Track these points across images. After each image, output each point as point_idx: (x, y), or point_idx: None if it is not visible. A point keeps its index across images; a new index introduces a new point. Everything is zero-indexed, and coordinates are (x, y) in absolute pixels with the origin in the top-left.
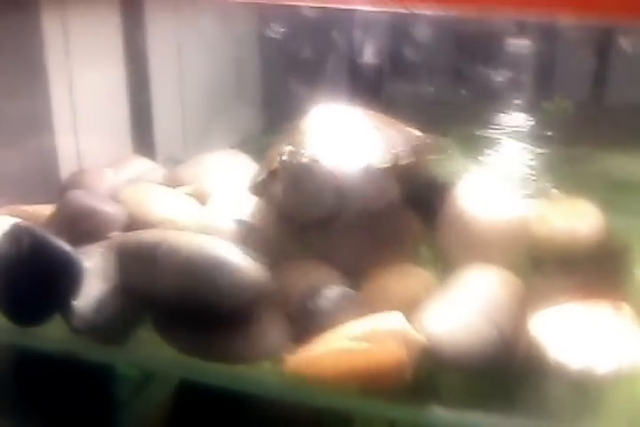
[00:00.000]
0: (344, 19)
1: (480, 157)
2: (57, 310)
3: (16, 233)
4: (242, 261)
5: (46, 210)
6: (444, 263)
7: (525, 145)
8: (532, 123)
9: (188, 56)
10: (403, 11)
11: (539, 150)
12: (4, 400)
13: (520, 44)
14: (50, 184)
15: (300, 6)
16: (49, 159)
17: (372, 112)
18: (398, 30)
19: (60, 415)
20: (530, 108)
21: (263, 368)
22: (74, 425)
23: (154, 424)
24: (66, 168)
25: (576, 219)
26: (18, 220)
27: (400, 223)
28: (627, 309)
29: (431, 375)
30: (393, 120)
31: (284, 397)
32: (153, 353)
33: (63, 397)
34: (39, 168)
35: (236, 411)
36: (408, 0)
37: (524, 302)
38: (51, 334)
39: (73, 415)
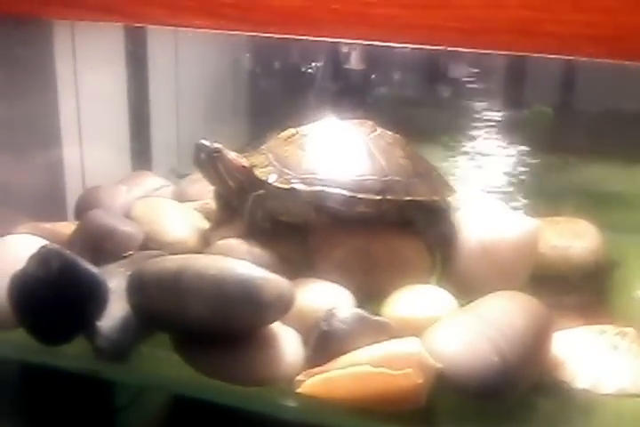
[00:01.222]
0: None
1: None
2: (82, 330)
3: (45, 255)
4: (268, 276)
5: (66, 228)
6: (460, 288)
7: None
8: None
9: (185, 71)
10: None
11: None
12: (7, 406)
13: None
14: (57, 196)
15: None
16: (56, 170)
17: (389, 135)
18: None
19: (59, 421)
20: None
21: (279, 389)
22: None
23: None
24: (72, 180)
25: (573, 238)
26: (39, 238)
27: (413, 249)
28: (632, 333)
29: (444, 399)
30: (409, 148)
31: (299, 418)
32: (175, 375)
33: (62, 403)
34: (47, 179)
35: (232, 419)
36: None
37: (543, 325)
38: (71, 353)
39: (72, 421)
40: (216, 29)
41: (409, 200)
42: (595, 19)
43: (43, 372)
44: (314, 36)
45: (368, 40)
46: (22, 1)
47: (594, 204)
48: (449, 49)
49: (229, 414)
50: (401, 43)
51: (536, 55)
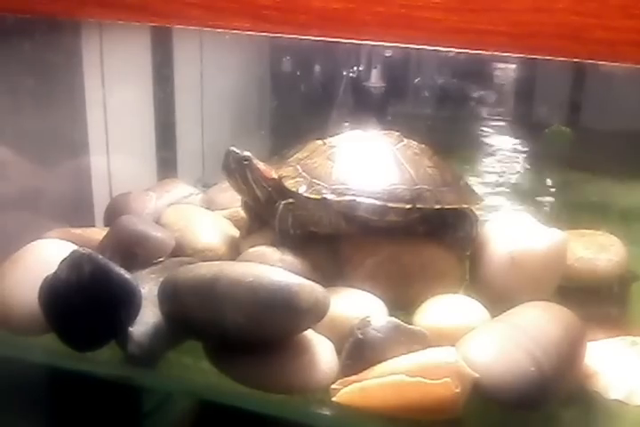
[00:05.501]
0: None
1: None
2: (113, 335)
3: (77, 259)
4: (304, 282)
5: (96, 233)
6: (488, 298)
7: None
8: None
9: (209, 82)
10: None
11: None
12: (37, 410)
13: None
14: (84, 203)
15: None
16: (84, 178)
17: (416, 145)
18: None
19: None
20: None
21: (314, 398)
22: None
23: None
24: (99, 188)
25: (598, 250)
26: (69, 243)
27: (443, 259)
28: None
29: (480, 409)
30: (435, 158)
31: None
32: (207, 382)
33: (90, 408)
34: (75, 187)
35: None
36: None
37: (577, 335)
38: (101, 359)
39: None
40: (256, 31)
41: (438, 209)
42: None
43: (71, 377)
44: (356, 39)
45: (412, 44)
46: (57, 2)
47: (615, 218)
48: (496, 53)
49: (257, 420)
50: (447, 47)
51: (587, 61)
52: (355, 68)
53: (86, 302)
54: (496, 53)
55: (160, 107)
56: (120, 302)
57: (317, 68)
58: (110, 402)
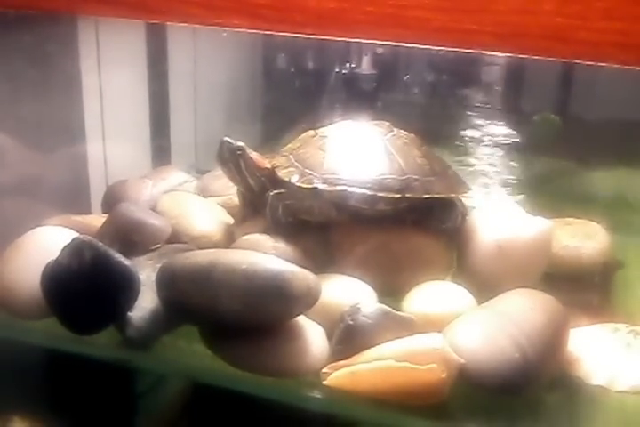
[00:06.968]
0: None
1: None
2: (113, 320)
3: (78, 246)
4: (296, 269)
5: (95, 220)
6: (475, 285)
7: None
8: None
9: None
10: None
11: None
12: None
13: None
14: (81, 190)
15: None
16: (80, 165)
17: (405, 135)
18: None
19: (80, 407)
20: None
21: (305, 381)
22: (93, 416)
23: (169, 416)
24: (95, 175)
25: (583, 239)
26: (69, 230)
27: (431, 246)
28: None
29: (465, 393)
30: (425, 148)
31: (324, 409)
32: (203, 365)
33: (84, 390)
34: (71, 174)
35: (246, 405)
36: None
37: (560, 322)
38: (98, 342)
39: (92, 407)
40: (253, 29)
41: (427, 198)
42: (626, 27)
43: (71, 359)
44: (349, 38)
45: (402, 42)
46: None
47: (600, 207)
48: (482, 53)
49: (249, 402)
50: (435, 45)
51: (572, 61)
52: (348, 62)
53: (87, 288)
54: (483, 53)
55: (154, 95)
56: (119, 288)
57: (310, 57)
58: (108, 383)
